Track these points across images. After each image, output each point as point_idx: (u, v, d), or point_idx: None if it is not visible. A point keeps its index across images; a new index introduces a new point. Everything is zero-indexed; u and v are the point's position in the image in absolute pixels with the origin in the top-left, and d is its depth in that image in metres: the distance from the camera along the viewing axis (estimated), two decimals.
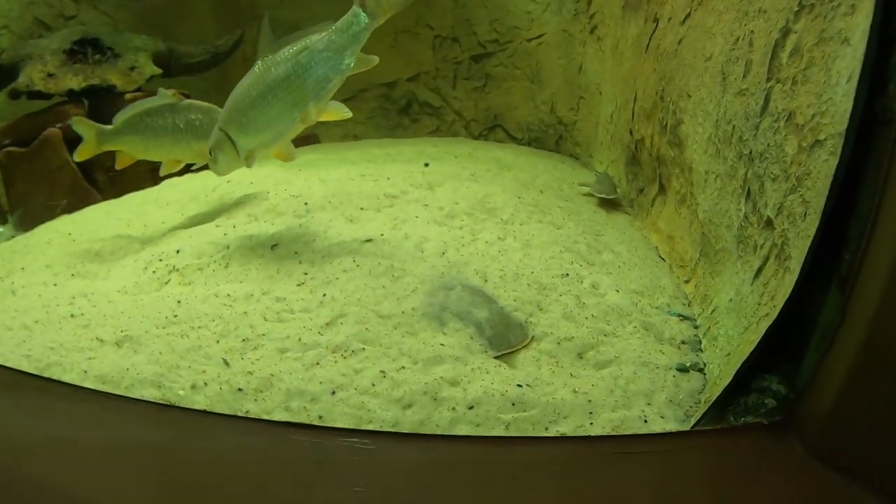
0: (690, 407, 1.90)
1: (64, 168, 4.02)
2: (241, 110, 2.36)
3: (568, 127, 4.48)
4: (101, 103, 4.15)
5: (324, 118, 2.42)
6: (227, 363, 1.91)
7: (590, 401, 1.71)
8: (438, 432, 1.53)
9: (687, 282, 2.53)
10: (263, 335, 1.97)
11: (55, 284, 2.76)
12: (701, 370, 2.08)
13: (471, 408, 1.59)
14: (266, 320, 2.02)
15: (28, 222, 3.78)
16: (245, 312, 2.05)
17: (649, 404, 1.84)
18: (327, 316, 1.95)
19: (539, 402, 1.65)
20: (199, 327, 2.08)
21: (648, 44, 3.01)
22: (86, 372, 2.07)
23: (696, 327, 2.29)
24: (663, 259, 2.71)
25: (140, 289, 2.55)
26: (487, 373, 1.71)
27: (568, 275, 2.22)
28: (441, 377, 1.65)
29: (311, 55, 2.36)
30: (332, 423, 1.59)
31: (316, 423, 1.58)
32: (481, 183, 3.06)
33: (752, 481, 1.48)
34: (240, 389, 1.80)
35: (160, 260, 2.66)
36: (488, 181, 3.12)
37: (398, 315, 1.88)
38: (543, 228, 2.56)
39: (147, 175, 4.23)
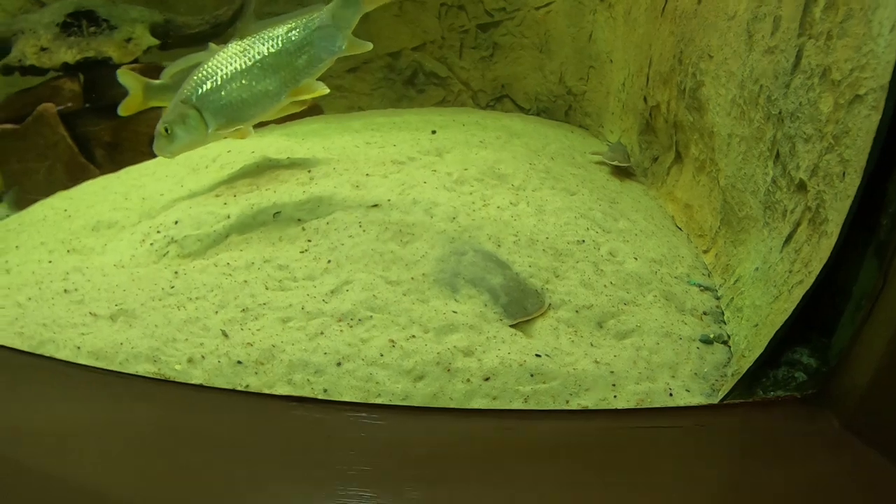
0: (716, 380, 1.81)
1: (59, 144, 3.91)
2: (216, 85, 2.27)
3: (577, 97, 4.36)
4: (97, 76, 4.04)
5: (302, 97, 2.36)
6: (225, 335, 1.82)
7: (612, 372, 1.62)
8: (452, 406, 1.44)
9: (706, 251, 2.43)
10: (264, 304, 1.88)
11: (50, 261, 2.71)
12: (725, 342, 1.99)
13: (487, 379, 1.49)
14: (267, 289, 1.92)
15: (23, 201, 3.69)
16: (245, 281, 1.96)
17: (673, 377, 1.75)
18: (332, 283, 1.85)
19: (559, 374, 1.56)
20: (196, 298, 1.99)
21: (664, 7, 2.89)
22: (79, 348, 2.02)
23: (717, 298, 2.20)
24: (680, 228, 2.62)
25: (137, 262, 2.47)
26: (503, 342, 1.62)
27: (584, 241, 2.12)
28: (454, 346, 1.56)
29: (303, 34, 2.32)
30: (337, 397, 1.49)
31: (321, 396, 1.49)
32: (491, 150, 2.96)
33: (787, 457, 1.40)
34: (239, 362, 1.71)
35: (158, 232, 2.57)
36: (498, 148, 3.02)
37: (407, 281, 1.78)
38: (556, 195, 2.45)
39: (146, 149, 4.14)
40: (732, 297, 2.11)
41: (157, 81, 2.83)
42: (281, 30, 2.34)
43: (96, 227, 2.90)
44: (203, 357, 1.75)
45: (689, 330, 1.95)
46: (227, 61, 2.33)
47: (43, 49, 3.95)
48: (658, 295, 2.05)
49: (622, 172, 3.07)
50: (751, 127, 2.06)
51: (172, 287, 2.07)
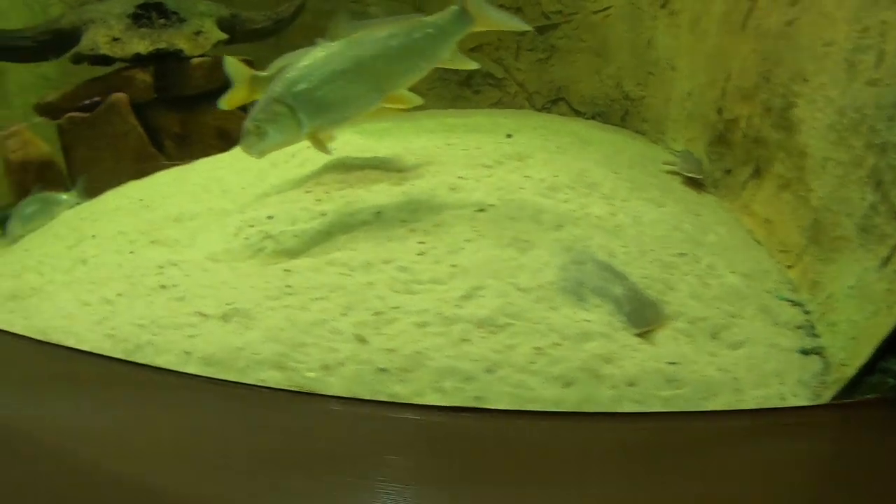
0: (816, 387, 1.94)
1: (130, 133, 4.01)
2: (313, 84, 2.30)
3: (635, 102, 4.46)
4: (166, 68, 4.15)
5: (396, 105, 2.44)
6: (362, 339, 1.82)
7: (735, 378, 1.74)
8: (600, 410, 1.56)
9: (790, 267, 2.54)
10: (396, 308, 1.89)
11: (131, 252, 2.70)
12: (819, 353, 2.11)
13: (631, 385, 1.61)
14: (395, 291, 1.95)
15: (91, 189, 3.79)
16: (370, 283, 2.00)
17: (782, 384, 1.88)
18: (462, 288, 1.92)
19: (690, 380, 1.68)
20: (318, 299, 1.98)
21: (745, 22, 2.99)
22: (188, 353, 1.92)
23: (806, 312, 2.31)
24: (759, 242, 2.72)
25: (233, 256, 2.47)
26: (635, 350, 1.74)
27: (686, 254, 2.24)
28: (595, 354, 1.68)
29: (406, 41, 2.36)
30: (490, 405, 1.58)
31: (472, 404, 1.57)
32: (570, 156, 3.07)
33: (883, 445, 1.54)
34: (382, 369, 1.71)
35: (251, 226, 2.58)
36: (575, 155, 3.13)
37: (536, 289, 1.89)
38: (646, 206, 2.57)
39: (213, 141, 4.24)
40: (824, 312, 2.22)
41: (263, 73, 2.73)
42: (383, 34, 2.37)
43: (178, 218, 2.91)
44: (341, 364, 1.74)
45: (788, 342, 2.07)
46: (325, 61, 2.35)
47: (115, 39, 4.05)
48: (756, 309, 2.17)
49: (693, 183, 3.17)
50: (850, 153, 2.17)
51: (288, 286, 2.05)
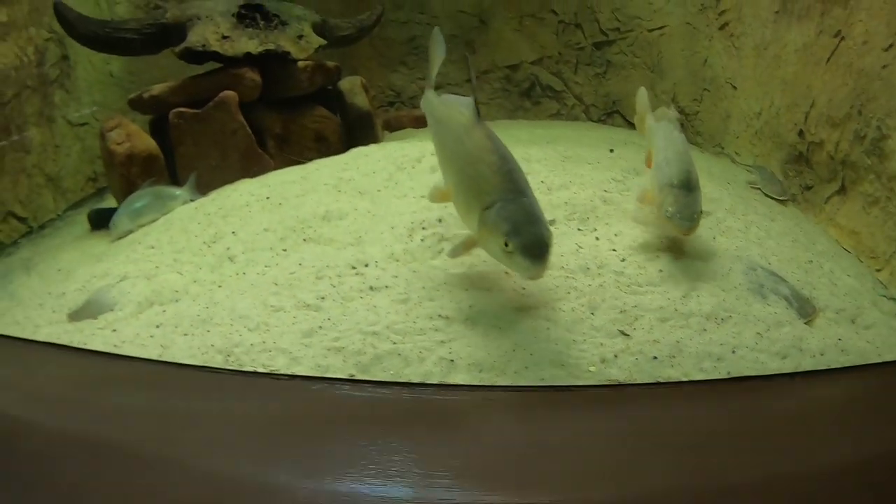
0: None
1: (239, 132, 4.34)
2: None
3: (689, 117, 5.18)
4: (273, 70, 4.54)
5: None
6: (625, 334, 2.21)
7: (877, 347, 2.43)
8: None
9: (879, 270, 3.26)
10: (635, 307, 2.36)
11: (284, 250, 2.86)
12: None
13: (822, 354, 2.29)
14: (623, 292, 2.48)
15: (199, 186, 4.09)
16: (601, 285, 2.51)
17: None
18: (680, 289, 2.52)
19: (853, 350, 2.39)
20: (558, 300, 2.35)
21: (830, 58, 3.71)
22: (451, 360, 2.04)
23: None
24: (846, 250, 3.43)
25: (413, 257, 2.68)
26: (811, 332, 2.43)
27: (812, 262, 2.94)
28: (792, 335, 2.36)
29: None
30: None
31: (725, 377, 2.14)
32: None
33: None
34: (655, 357, 2.11)
35: (423, 228, 2.82)
36: None
37: (733, 289, 2.56)
38: (763, 220, 3.28)
39: (311, 143, 4.65)
40: None
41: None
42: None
43: (326, 216, 3.08)
44: (615, 356, 2.11)
45: None
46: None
47: (224, 37, 4.40)
48: (869, 302, 2.87)
49: (775, 199, 3.88)
50: None
51: (524, 288, 2.39)
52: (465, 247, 2.37)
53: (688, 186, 2.68)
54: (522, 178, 2.21)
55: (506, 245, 2.04)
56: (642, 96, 3.40)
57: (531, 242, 2.02)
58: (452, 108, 2.48)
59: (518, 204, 2.11)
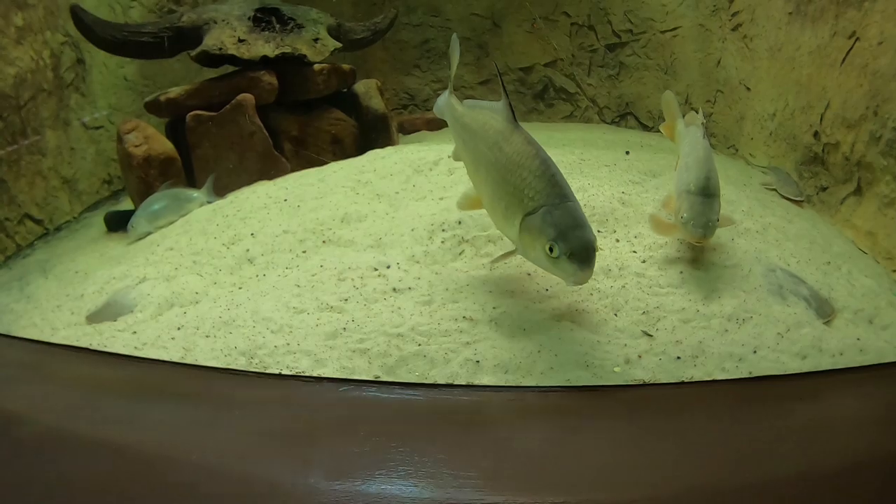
0: None
1: (256, 134, 4.39)
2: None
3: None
4: (289, 73, 4.60)
5: None
6: (648, 335, 2.24)
7: (895, 347, 2.45)
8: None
9: (895, 271, 3.28)
10: (657, 308, 2.40)
11: (304, 251, 2.89)
12: None
13: (842, 354, 2.32)
14: (645, 294, 2.52)
15: (218, 188, 4.15)
16: (623, 286, 2.54)
17: None
18: (701, 290, 2.57)
19: (871, 349, 2.42)
20: (581, 301, 2.38)
21: (844, 59, 3.73)
22: (477, 362, 2.05)
23: None
24: (862, 251, 3.45)
25: (434, 259, 2.72)
26: (830, 332, 2.46)
27: (830, 263, 2.96)
28: (812, 335, 2.39)
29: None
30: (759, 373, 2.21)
31: (747, 376, 2.18)
32: None
33: None
34: (678, 358, 2.14)
35: (443, 230, 2.85)
36: None
37: (753, 290, 2.58)
38: (780, 221, 3.30)
39: (326, 146, 4.70)
40: None
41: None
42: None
43: (345, 218, 3.12)
44: (639, 357, 2.13)
45: None
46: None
47: (241, 40, 4.46)
48: (886, 302, 2.90)
49: (790, 200, 3.91)
50: None
51: (547, 290, 2.43)
52: (506, 255, 2.38)
53: (705, 193, 2.67)
54: (565, 182, 2.20)
55: (550, 250, 2.03)
56: (671, 101, 3.36)
57: (578, 247, 2.02)
58: (483, 114, 2.46)
59: (563, 209, 2.09)
